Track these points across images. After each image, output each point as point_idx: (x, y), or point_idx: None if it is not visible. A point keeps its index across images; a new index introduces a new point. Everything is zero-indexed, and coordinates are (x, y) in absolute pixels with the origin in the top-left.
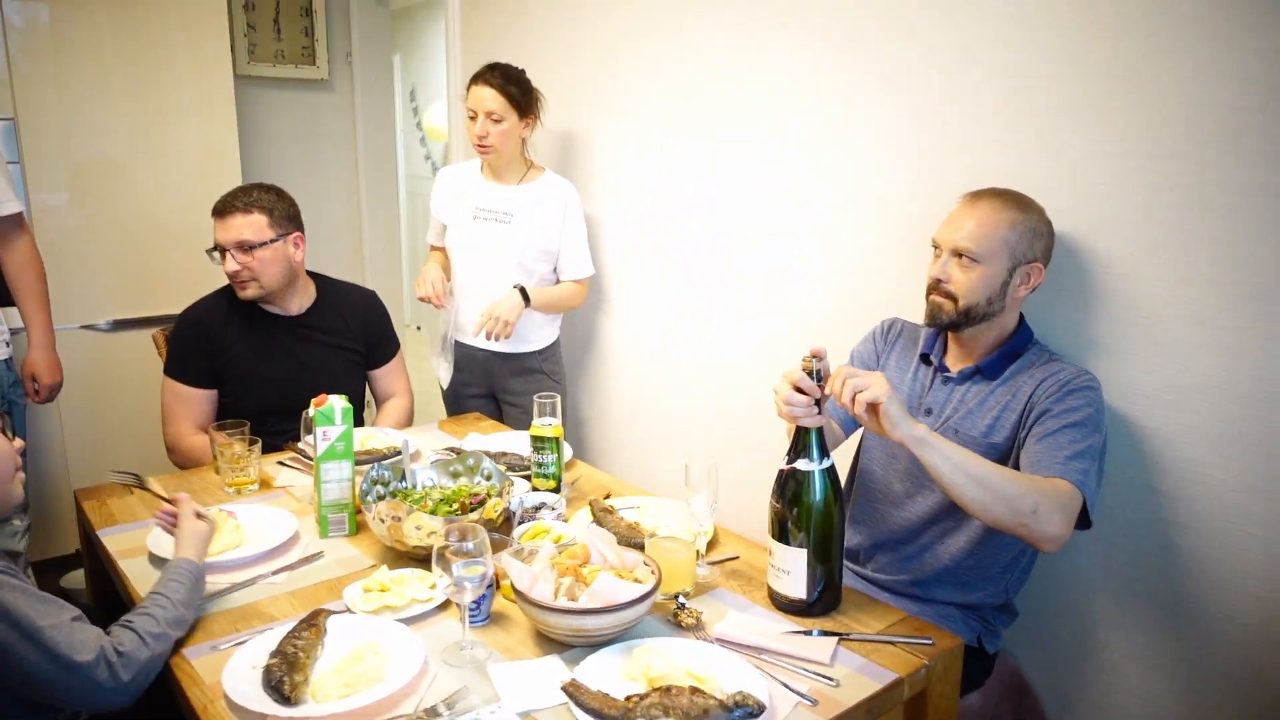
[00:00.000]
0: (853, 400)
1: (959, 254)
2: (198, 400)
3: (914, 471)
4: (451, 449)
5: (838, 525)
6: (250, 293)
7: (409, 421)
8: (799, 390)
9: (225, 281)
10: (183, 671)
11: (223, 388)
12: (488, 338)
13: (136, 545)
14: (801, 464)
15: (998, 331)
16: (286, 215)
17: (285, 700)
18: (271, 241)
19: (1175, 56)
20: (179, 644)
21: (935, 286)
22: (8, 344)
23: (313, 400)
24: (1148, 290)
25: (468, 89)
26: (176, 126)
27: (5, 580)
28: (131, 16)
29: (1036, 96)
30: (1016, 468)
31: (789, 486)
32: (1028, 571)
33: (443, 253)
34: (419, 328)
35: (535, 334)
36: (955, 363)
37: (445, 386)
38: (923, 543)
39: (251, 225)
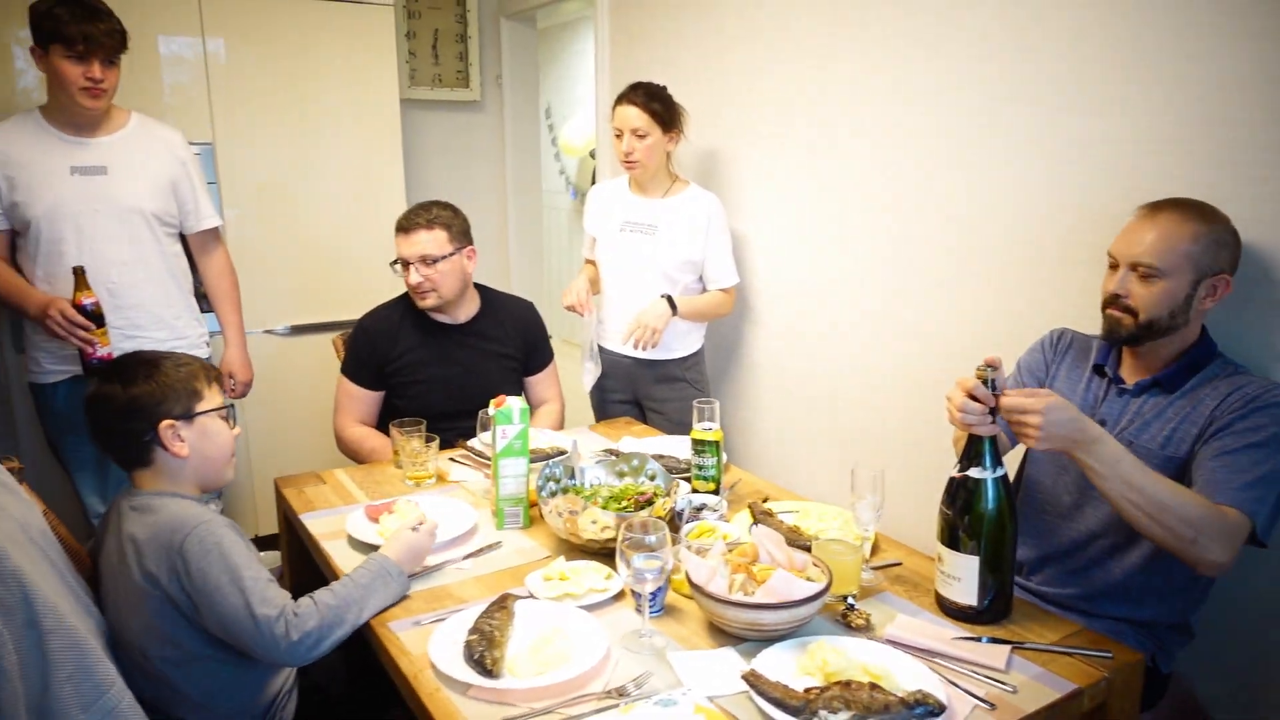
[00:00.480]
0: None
1: (1138, 268)
2: (363, 399)
3: (1084, 483)
4: (610, 451)
5: (1010, 534)
6: (429, 302)
7: (560, 426)
8: (973, 398)
9: (393, 291)
10: (392, 644)
11: (393, 390)
12: (635, 346)
13: (336, 529)
14: (974, 472)
15: (1179, 344)
16: (462, 230)
17: (487, 673)
18: (450, 255)
19: None
20: (370, 625)
21: (1114, 301)
22: (207, 344)
23: (492, 401)
24: None
25: (613, 109)
26: (347, 147)
27: (231, 530)
28: (310, 48)
29: (1215, 104)
30: (1191, 483)
31: (960, 494)
32: (1207, 591)
33: (594, 265)
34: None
35: (680, 342)
36: (1131, 375)
37: (589, 389)
38: (1092, 556)
39: (434, 240)
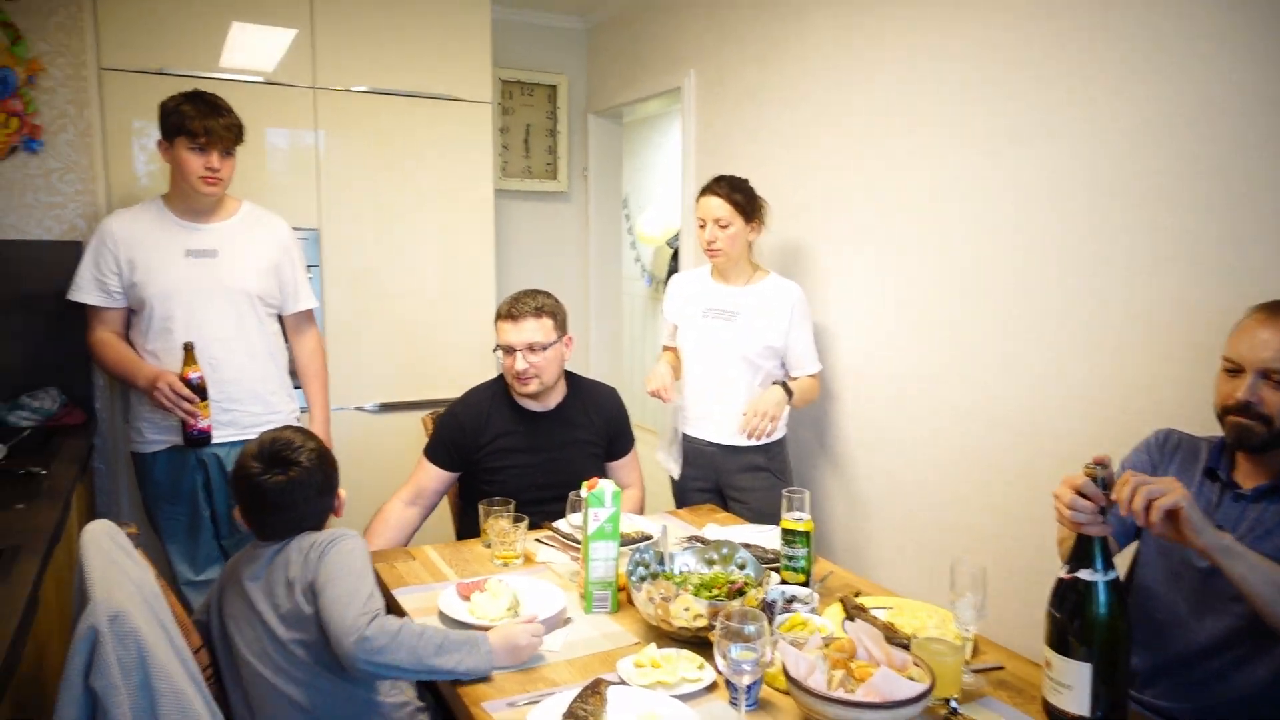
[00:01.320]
0: (1146, 508)
1: (1271, 375)
2: (428, 476)
3: (1204, 589)
4: (696, 538)
5: (1125, 641)
6: (531, 389)
7: (641, 511)
8: (1083, 496)
9: (481, 373)
10: None
11: (479, 474)
12: (749, 436)
13: (428, 605)
14: (1085, 573)
15: None
16: (564, 319)
17: None
18: (554, 343)
19: None
20: (464, 705)
21: (1244, 409)
22: (298, 419)
23: (585, 483)
24: None
25: (697, 199)
26: (442, 234)
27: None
28: (412, 141)
29: None
30: None
31: (1070, 597)
32: None
33: (674, 353)
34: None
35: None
36: (1247, 479)
37: (677, 478)
38: (1213, 669)
39: (541, 328)
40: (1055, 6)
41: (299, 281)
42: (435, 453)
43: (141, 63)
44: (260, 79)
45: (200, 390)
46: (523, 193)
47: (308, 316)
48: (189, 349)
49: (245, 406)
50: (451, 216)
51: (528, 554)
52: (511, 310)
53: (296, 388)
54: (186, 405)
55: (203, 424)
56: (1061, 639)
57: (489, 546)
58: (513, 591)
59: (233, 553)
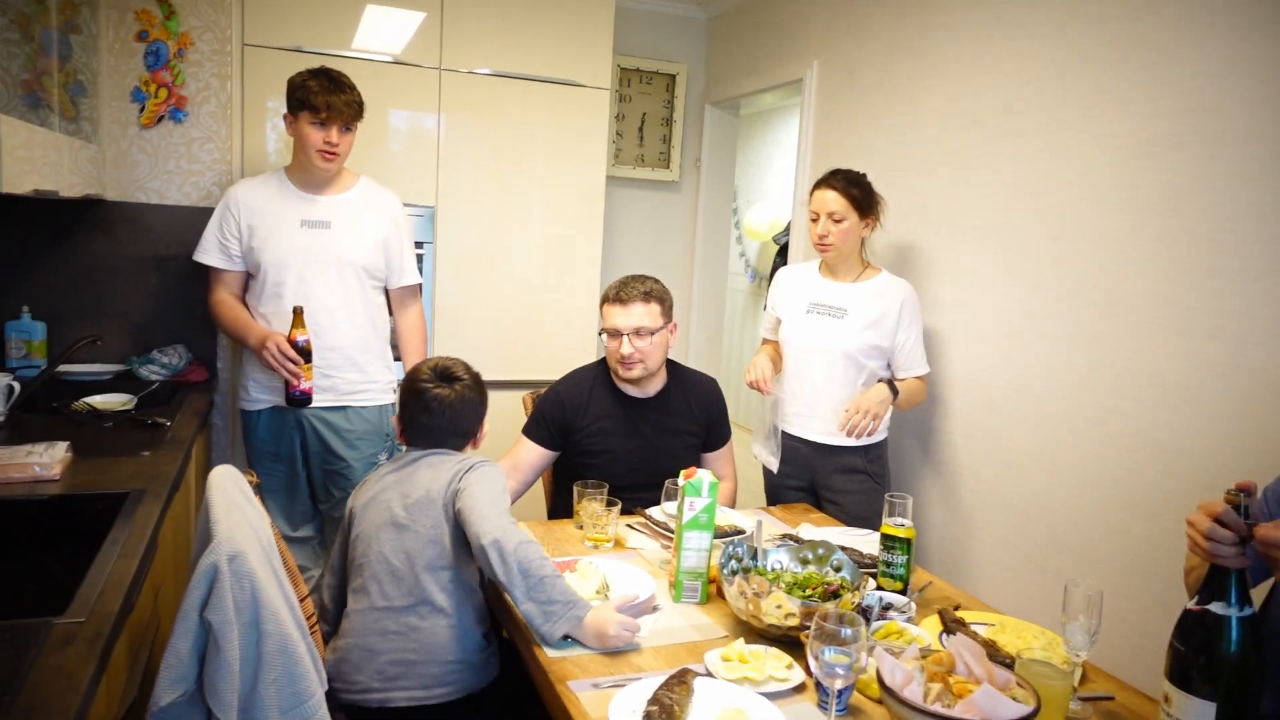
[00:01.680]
0: None
1: None
2: (529, 454)
3: None
4: (789, 536)
5: (1254, 682)
6: (635, 373)
7: (732, 504)
8: (1222, 524)
9: (581, 356)
10: (571, 703)
11: (576, 457)
12: (850, 434)
13: None
14: (1216, 607)
15: None
16: (670, 306)
17: None
18: (660, 329)
19: None
20: (548, 681)
21: None
22: (394, 390)
23: (683, 471)
24: None
25: (811, 192)
26: (552, 217)
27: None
28: (529, 124)
29: None
30: None
31: (1198, 631)
32: None
33: (773, 346)
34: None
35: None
36: None
37: (775, 471)
38: None
39: (649, 313)
40: (1199, 10)
41: (405, 256)
42: (535, 430)
43: (280, 39)
44: (389, 59)
45: (305, 353)
46: (634, 180)
47: (412, 291)
48: (298, 312)
49: (344, 374)
50: (563, 201)
51: (619, 538)
52: (620, 294)
53: (397, 359)
54: (291, 366)
55: (305, 385)
56: (1185, 674)
57: (581, 528)
58: (602, 574)
59: (330, 515)
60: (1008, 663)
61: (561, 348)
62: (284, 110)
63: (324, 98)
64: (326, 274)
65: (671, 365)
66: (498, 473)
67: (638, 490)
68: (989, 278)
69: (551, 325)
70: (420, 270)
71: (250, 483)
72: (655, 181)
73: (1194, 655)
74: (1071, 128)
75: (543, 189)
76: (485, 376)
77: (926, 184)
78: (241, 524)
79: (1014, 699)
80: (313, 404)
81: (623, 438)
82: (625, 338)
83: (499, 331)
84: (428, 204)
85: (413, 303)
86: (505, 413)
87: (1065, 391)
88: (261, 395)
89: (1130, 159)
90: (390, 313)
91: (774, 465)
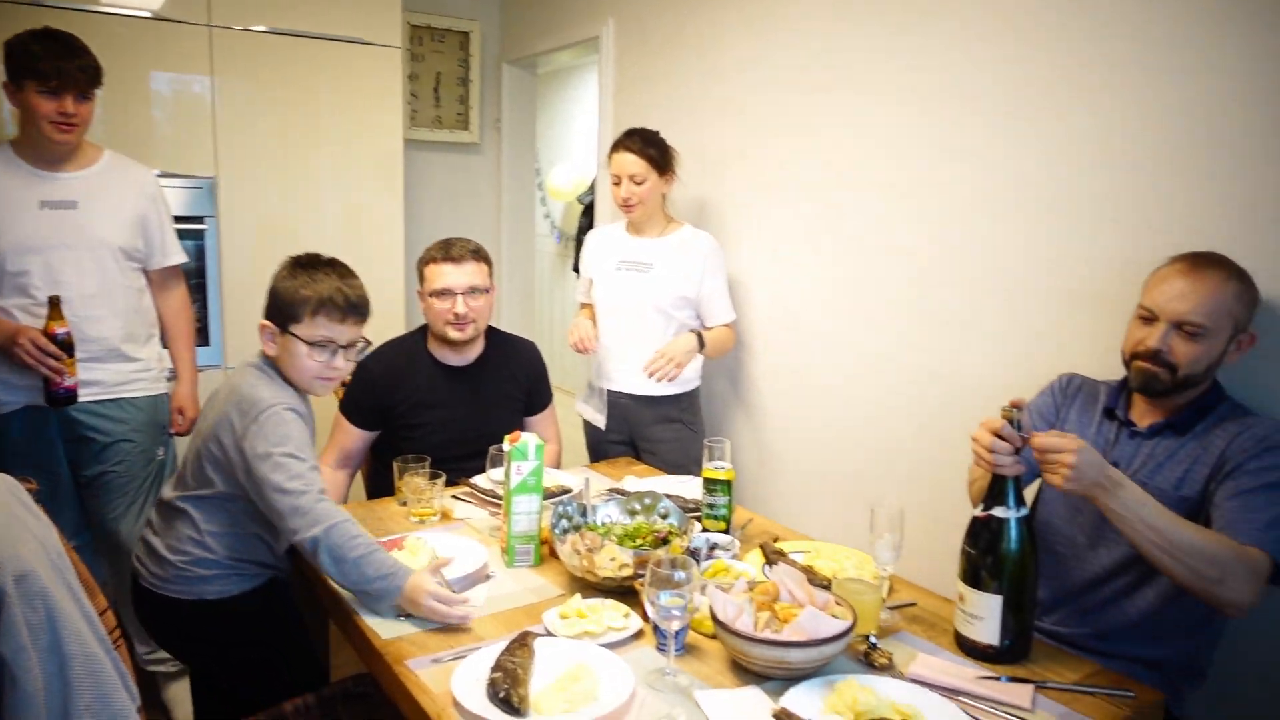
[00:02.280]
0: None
1: (1184, 326)
2: (350, 435)
3: (1099, 523)
4: (616, 490)
5: (1033, 574)
6: (468, 334)
7: (558, 466)
8: (1000, 438)
9: (392, 329)
10: (411, 682)
11: (397, 430)
12: (652, 376)
13: None
14: (999, 511)
15: (1193, 390)
16: (492, 269)
17: (514, 711)
18: (490, 289)
19: None
20: (384, 664)
21: (1152, 356)
22: (169, 378)
23: (507, 436)
24: None
25: (610, 156)
26: (348, 184)
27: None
28: (315, 86)
29: (1224, 157)
30: (1207, 523)
31: (984, 534)
32: (1220, 631)
33: (591, 309)
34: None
35: (680, 378)
36: (1142, 418)
37: (603, 428)
38: (1107, 596)
39: (480, 272)
40: None
41: (167, 235)
42: (353, 413)
43: None
44: (148, 14)
45: (67, 346)
46: (433, 143)
47: (175, 272)
48: (54, 303)
49: (109, 364)
50: (359, 167)
51: (445, 511)
52: (450, 253)
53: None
54: (52, 363)
55: (69, 382)
56: (975, 574)
57: (404, 505)
58: (431, 548)
59: (102, 517)
60: (825, 584)
61: (370, 321)
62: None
63: (52, 63)
64: (79, 259)
65: (489, 331)
66: (283, 422)
67: (463, 460)
68: (783, 226)
69: None
70: (203, 248)
71: (29, 490)
72: (455, 144)
73: (982, 556)
74: (857, 82)
75: (336, 155)
76: None
77: (724, 138)
78: (25, 538)
79: (834, 616)
80: (79, 400)
81: (444, 408)
82: (460, 297)
83: None
84: (205, 174)
85: (177, 284)
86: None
87: (858, 329)
88: (9, 396)
89: (907, 113)
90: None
91: (600, 422)
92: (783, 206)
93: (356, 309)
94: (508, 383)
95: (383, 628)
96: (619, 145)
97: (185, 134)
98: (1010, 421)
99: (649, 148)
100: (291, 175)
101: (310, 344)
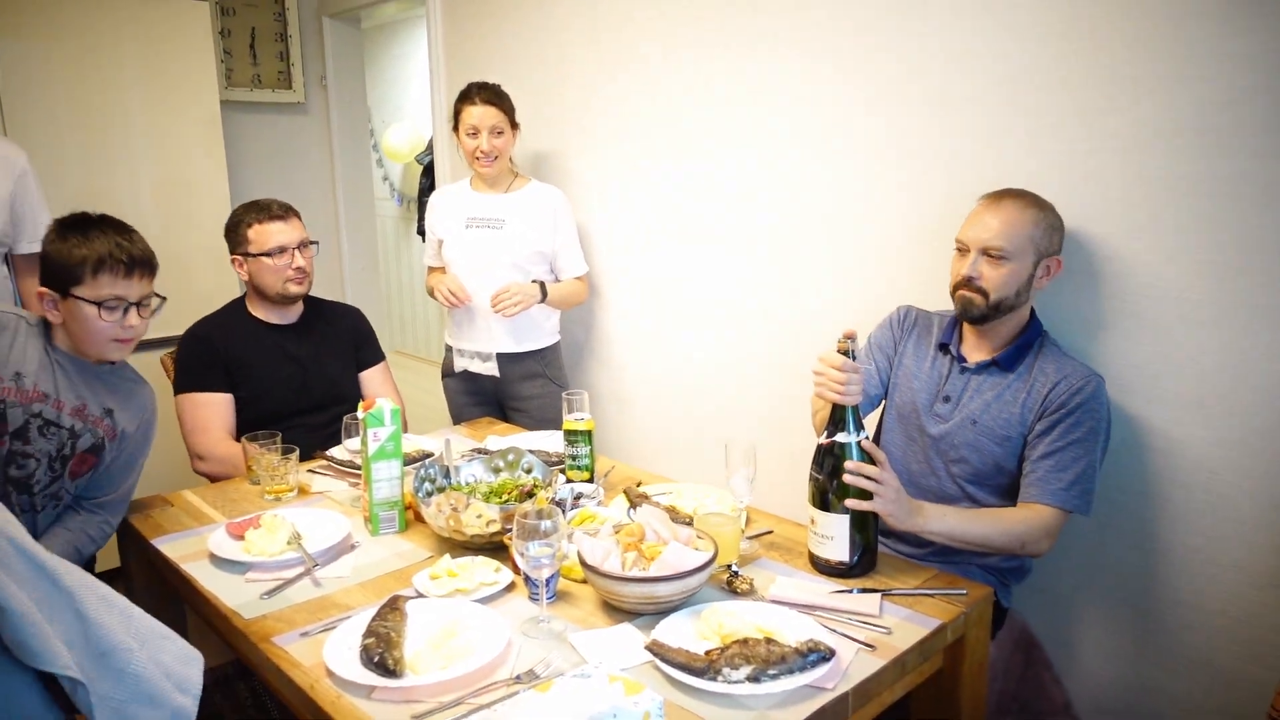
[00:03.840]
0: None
1: (989, 251)
2: (221, 405)
3: (930, 455)
4: (478, 449)
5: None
6: (304, 288)
7: (404, 428)
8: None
9: (221, 300)
10: (280, 657)
11: (235, 393)
12: (493, 303)
13: (195, 550)
14: (840, 437)
15: (1015, 323)
16: None
17: (390, 673)
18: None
19: (1153, 64)
20: (251, 644)
21: (966, 283)
22: None
23: (361, 404)
24: (1133, 271)
25: (461, 109)
26: (164, 151)
27: None
28: (116, 46)
29: (1031, 101)
30: (1022, 460)
31: (828, 460)
32: None
33: (440, 271)
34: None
35: (539, 335)
36: (972, 353)
37: (497, 375)
38: None
39: (302, 227)
40: None
41: (38, 217)
42: (202, 379)
43: None
44: None
45: None
46: (254, 105)
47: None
48: None
49: None
50: (173, 134)
51: (302, 486)
52: (275, 210)
53: None
54: None
55: None
56: (823, 497)
57: (257, 484)
58: (290, 524)
59: None
60: (688, 521)
61: (198, 292)
62: None
63: None
64: None
65: (306, 297)
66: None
67: (306, 414)
68: (628, 177)
69: (182, 272)
70: None
71: None
72: (279, 104)
73: (828, 480)
74: (693, 32)
75: (146, 121)
76: None
77: (560, 91)
78: None
79: (697, 549)
80: None
81: (275, 364)
82: (295, 251)
83: None
84: None
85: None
86: (150, 377)
87: (706, 276)
88: None
89: (736, 61)
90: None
91: (492, 370)
92: (625, 158)
93: (141, 263)
94: (332, 339)
95: (245, 609)
96: (472, 99)
97: None
98: (847, 352)
99: (502, 100)
100: (97, 144)
101: (99, 304)
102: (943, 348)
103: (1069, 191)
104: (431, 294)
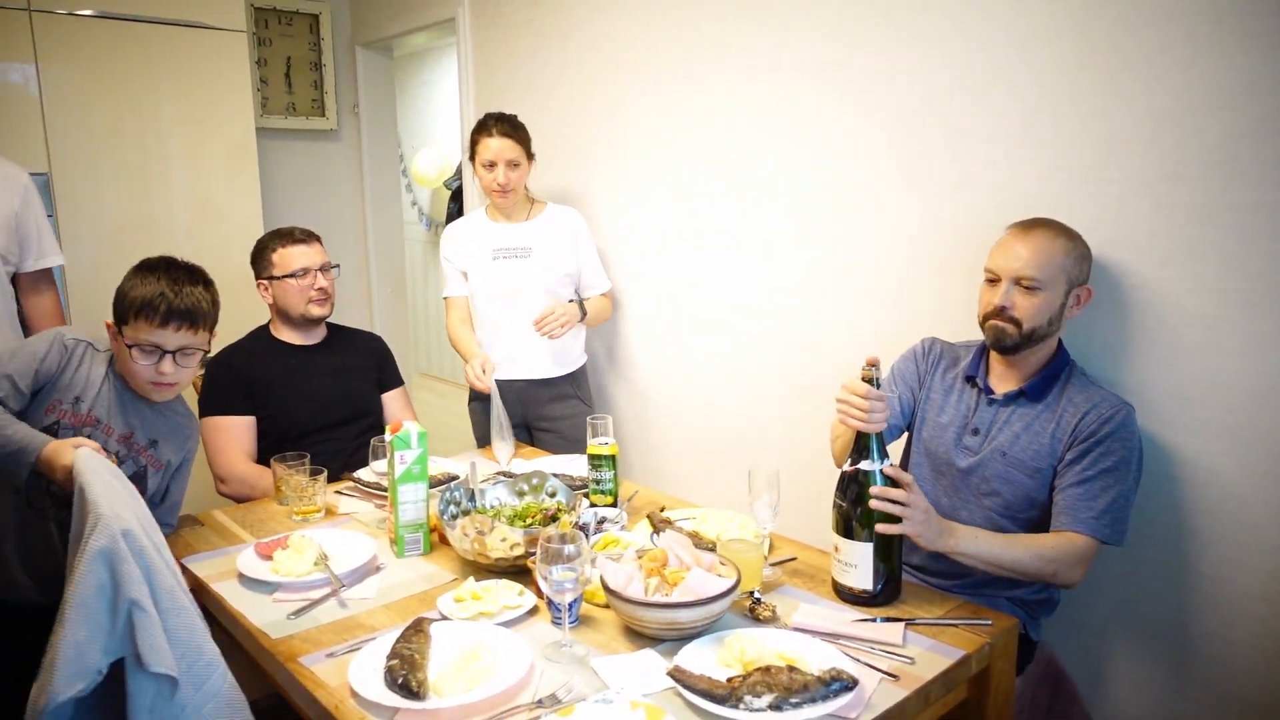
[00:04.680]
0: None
1: (1021, 281)
2: (242, 428)
3: (962, 486)
4: (503, 473)
5: (896, 522)
6: (326, 310)
7: None
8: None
9: (252, 323)
10: (306, 677)
11: (261, 412)
12: (538, 327)
13: (224, 570)
14: (865, 465)
15: (1043, 353)
16: None
17: (414, 695)
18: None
19: (1172, 95)
20: (278, 663)
21: (999, 313)
22: None
23: (389, 426)
24: (1160, 299)
25: (477, 141)
26: (200, 177)
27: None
28: (156, 74)
29: (1047, 132)
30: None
31: (852, 487)
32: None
33: (464, 302)
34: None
35: (570, 356)
36: (999, 384)
37: (507, 466)
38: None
39: (325, 252)
40: None
41: (43, 234)
42: (224, 402)
43: None
44: None
45: None
46: (288, 131)
47: (47, 275)
48: None
49: None
50: (208, 159)
51: (329, 507)
52: (297, 234)
53: None
54: None
55: None
56: (847, 525)
57: (285, 504)
58: (318, 544)
59: None
60: (711, 547)
61: (231, 316)
62: None
63: None
64: None
65: (327, 323)
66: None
67: (330, 429)
68: (654, 204)
69: (221, 297)
70: None
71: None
72: (312, 131)
73: (852, 507)
74: (714, 61)
75: (183, 147)
76: None
77: (588, 120)
78: (124, 500)
79: (719, 575)
80: None
81: (300, 381)
82: (317, 273)
83: None
84: (37, 170)
85: (48, 288)
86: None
87: (732, 301)
88: None
89: (767, 92)
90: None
91: (505, 461)
92: (651, 184)
93: (179, 315)
94: (355, 356)
95: (272, 628)
96: (489, 130)
97: (9, 126)
98: (869, 380)
99: (518, 131)
100: (135, 169)
101: (133, 346)
102: (969, 379)
103: (1092, 221)
104: (453, 343)
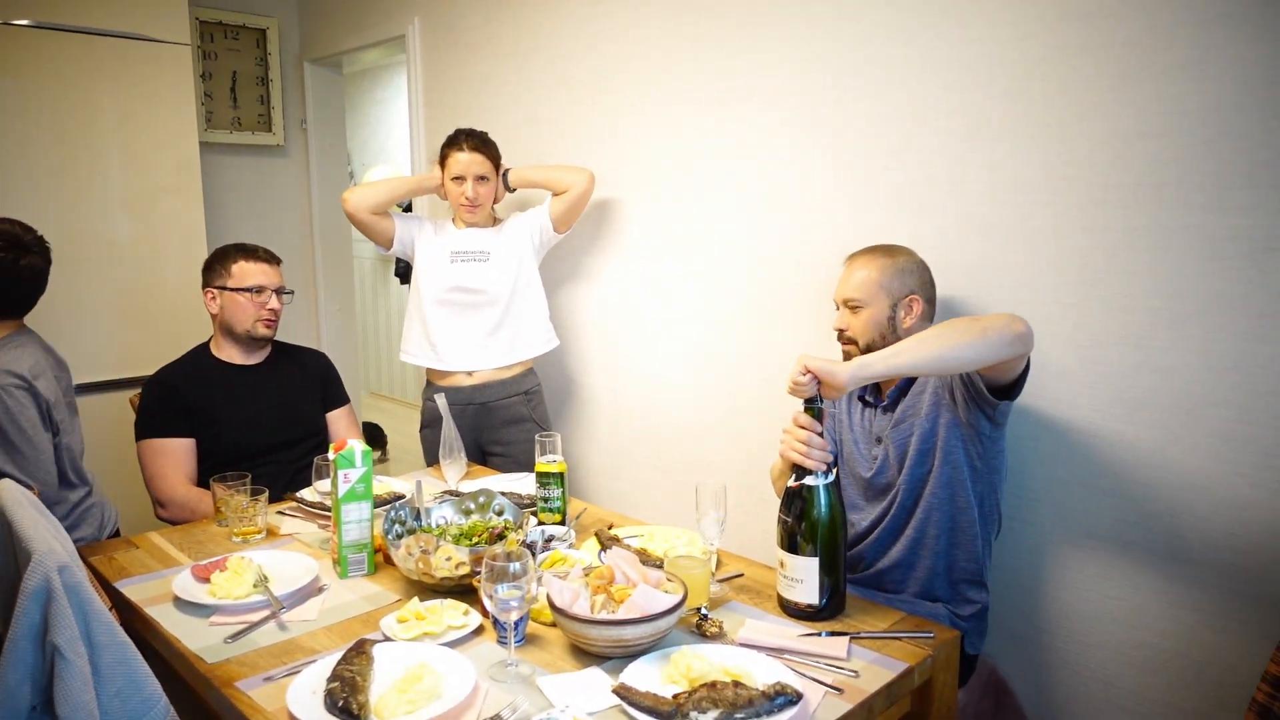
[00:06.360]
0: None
1: (848, 303)
2: (181, 451)
3: (866, 489)
4: (450, 492)
5: (842, 536)
6: (272, 333)
7: None
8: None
9: (194, 340)
10: (243, 702)
11: (201, 434)
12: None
13: (159, 593)
14: (809, 480)
15: None
16: None
17: (355, 718)
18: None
19: (1103, 121)
20: (213, 687)
21: (840, 335)
22: None
23: (332, 445)
24: (1092, 318)
25: (449, 155)
26: (142, 192)
27: None
28: (98, 87)
29: (984, 156)
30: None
31: (797, 503)
32: (979, 560)
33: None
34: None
35: (522, 344)
36: (882, 393)
37: (455, 486)
38: (863, 551)
39: (281, 275)
40: None
41: None
42: (163, 424)
43: None
44: None
45: None
46: (233, 146)
47: None
48: None
49: None
50: (151, 175)
51: (271, 528)
52: (258, 252)
53: None
54: None
55: None
56: (792, 540)
57: (225, 525)
58: (257, 566)
59: None
60: (658, 563)
61: (173, 333)
62: None
63: None
64: None
65: (273, 341)
66: None
67: (273, 451)
68: (601, 224)
69: (158, 312)
70: None
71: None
72: (258, 146)
73: (797, 522)
74: (660, 84)
75: (125, 161)
76: (82, 379)
77: (538, 137)
78: (54, 535)
79: (666, 592)
80: None
81: (242, 403)
82: (272, 293)
83: (96, 328)
84: None
85: None
86: (112, 418)
87: (677, 322)
88: None
89: (709, 114)
90: None
91: (454, 481)
92: (602, 206)
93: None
94: (299, 376)
95: (208, 652)
96: (460, 145)
97: None
98: (812, 408)
99: (487, 146)
100: (75, 183)
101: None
102: (862, 400)
103: (1027, 242)
104: (380, 188)
